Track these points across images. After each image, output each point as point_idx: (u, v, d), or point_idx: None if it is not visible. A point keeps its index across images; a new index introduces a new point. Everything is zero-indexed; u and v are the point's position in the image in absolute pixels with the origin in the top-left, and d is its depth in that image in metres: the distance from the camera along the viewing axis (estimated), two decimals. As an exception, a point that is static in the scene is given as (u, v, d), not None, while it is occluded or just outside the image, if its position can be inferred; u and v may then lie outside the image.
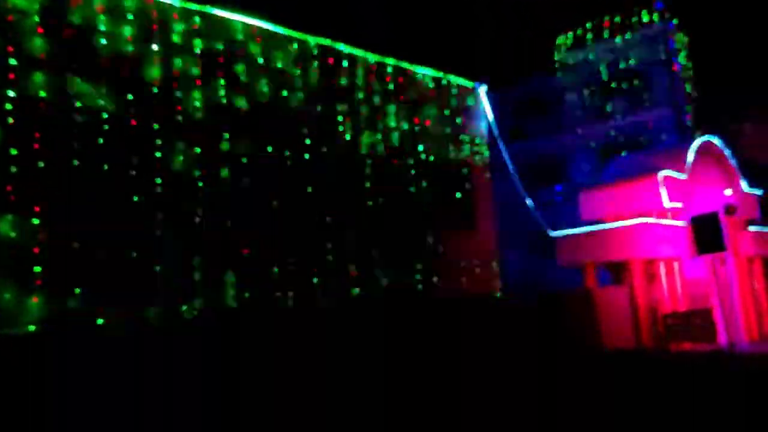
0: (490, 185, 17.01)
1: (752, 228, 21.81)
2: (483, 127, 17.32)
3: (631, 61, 27.96)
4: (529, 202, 17.51)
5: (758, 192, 22.20)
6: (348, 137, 14.19)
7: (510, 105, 31.46)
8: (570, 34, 29.87)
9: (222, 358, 9.43)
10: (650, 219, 16.50)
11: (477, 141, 17.04)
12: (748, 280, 21.82)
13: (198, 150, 11.79)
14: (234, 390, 9.40)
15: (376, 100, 14.96)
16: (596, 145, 28.77)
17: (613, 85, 28.57)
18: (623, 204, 17.93)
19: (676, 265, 18.01)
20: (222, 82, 12.33)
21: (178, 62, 11.78)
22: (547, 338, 15.13)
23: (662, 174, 17.22)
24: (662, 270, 17.45)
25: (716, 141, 20.33)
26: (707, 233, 15.43)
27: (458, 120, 16.63)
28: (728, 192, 20.75)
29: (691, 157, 18.49)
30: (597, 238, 16.84)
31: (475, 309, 13.90)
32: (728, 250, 19.11)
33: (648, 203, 17.48)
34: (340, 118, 14.12)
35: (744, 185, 21.50)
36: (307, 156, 13.49)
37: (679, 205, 17.78)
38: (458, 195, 16.11)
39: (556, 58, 30.19)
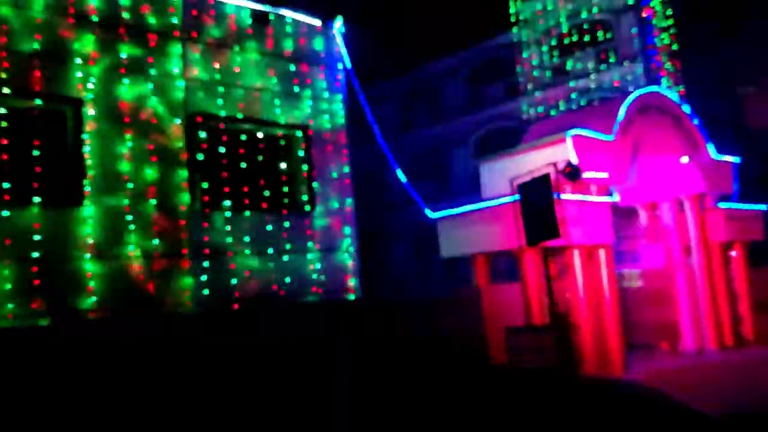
0: (343, 155, 12.95)
1: (724, 205, 17.17)
2: (336, 79, 13.22)
3: (594, 10, 23.30)
4: (401, 177, 13.39)
5: (733, 159, 17.52)
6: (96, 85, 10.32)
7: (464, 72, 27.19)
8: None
9: None
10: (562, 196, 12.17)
11: (325, 96, 12.96)
12: (721, 272, 17.24)
13: None
14: None
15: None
16: (558, 111, 24.25)
17: (574, 38, 23.96)
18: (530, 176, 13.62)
19: (601, 254, 13.64)
20: None
21: None
22: (404, 353, 11.13)
23: (571, 134, 12.87)
24: (577, 261, 13.12)
25: (669, 94, 15.76)
26: (535, 212, 10.87)
27: (292, 67, 12.58)
28: (684, 159, 16.20)
29: (622, 112, 14.03)
30: (485, 221, 12.61)
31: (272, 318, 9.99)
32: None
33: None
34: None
35: (712, 151, 16.87)
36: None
37: (602, 175, 13.41)
38: (282, 167, 12.09)
39: (511, 11, 25.65)
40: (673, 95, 15.80)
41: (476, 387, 10.23)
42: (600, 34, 23.21)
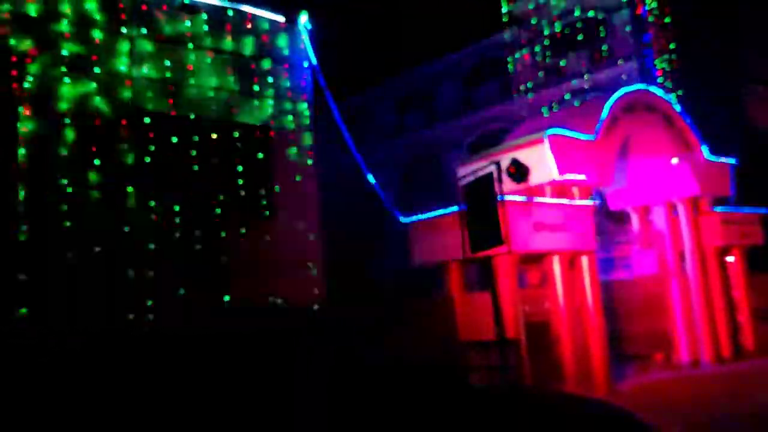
0: (308, 157, 12.25)
1: (720, 209, 16.32)
2: (302, 78, 12.55)
3: (588, 9, 22.52)
4: (371, 179, 12.68)
5: (730, 161, 16.67)
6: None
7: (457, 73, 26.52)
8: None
9: None
10: (512, 197, 11.38)
11: (289, 96, 12.30)
12: (718, 279, 16.38)
13: None
14: None
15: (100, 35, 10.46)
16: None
17: (567, 38, 23.17)
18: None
19: (584, 261, 12.84)
20: None
21: None
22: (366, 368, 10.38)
23: (549, 134, 12.11)
24: (557, 268, 12.32)
25: (659, 92, 14.97)
26: (479, 216, 9.90)
27: (251, 66, 11.93)
28: (675, 161, 15.38)
29: (606, 111, 13.25)
30: (456, 226, 11.83)
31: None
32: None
33: (538, 174, 12.42)
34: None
35: (706, 152, 16.04)
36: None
37: (581, 177, 12.64)
38: (241, 171, 11.40)
39: (504, 10, 24.90)
40: (663, 93, 14.99)
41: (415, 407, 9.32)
42: (593, 32, 22.40)
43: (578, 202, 12.46)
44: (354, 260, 13.29)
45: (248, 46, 12.01)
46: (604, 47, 22.24)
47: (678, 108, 15.37)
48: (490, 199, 9.36)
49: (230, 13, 11.86)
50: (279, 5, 12.69)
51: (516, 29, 24.65)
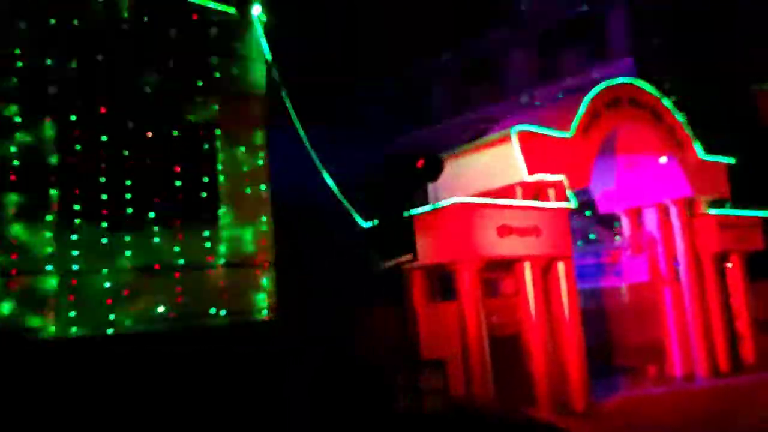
0: (259, 158, 11.41)
1: (714, 211, 15.24)
2: (255, 73, 11.74)
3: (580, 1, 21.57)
4: (330, 183, 11.83)
5: (726, 160, 15.60)
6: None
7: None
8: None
9: None
10: (468, 199, 10.44)
11: (240, 93, 11.50)
12: (714, 286, 15.27)
13: None
14: None
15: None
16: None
17: (560, 35, 22.22)
18: (481, 177, 11.97)
19: (560, 268, 11.86)
20: None
21: None
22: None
23: (517, 131, 11.17)
24: (528, 276, 11.36)
25: (646, 86, 13.96)
26: (390, 223, 8.85)
27: (197, 60, 11.14)
28: (663, 159, 14.35)
29: (583, 107, 12.29)
30: (417, 231, 10.90)
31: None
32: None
33: (506, 175, 11.49)
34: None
35: (699, 150, 14.99)
36: None
37: (557, 177, 11.67)
38: (181, 171, 10.60)
39: (496, 8, 24.00)
40: (651, 87, 13.97)
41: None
42: (587, 29, 21.43)
43: (551, 204, 11.49)
44: (316, 267, 12.42)
45: (194, 38, 11.23)
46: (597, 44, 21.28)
47: (668, 103, 14.35)
48: (401, 203, 8.42)
49: (175, 3, 11.09)
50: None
51: (507, 27, 23.76)
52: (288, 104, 11.84)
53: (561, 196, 11.92)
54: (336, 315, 11.05)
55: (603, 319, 16.14)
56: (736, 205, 16.15)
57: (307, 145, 11.79)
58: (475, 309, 10.44)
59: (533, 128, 11.39)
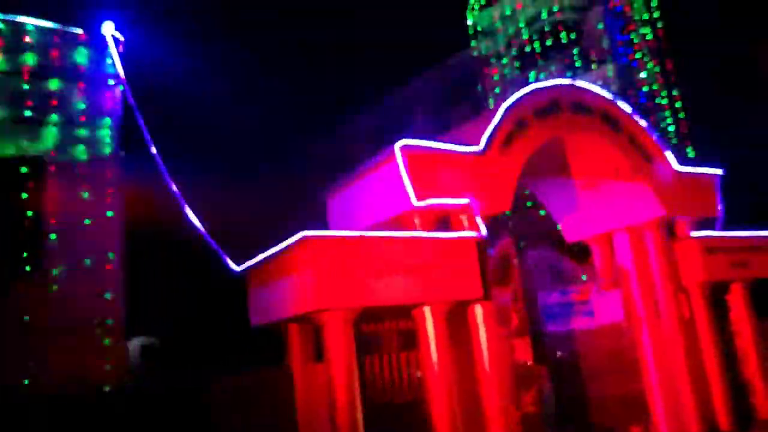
0: (107, 195, 9.67)
1: (697, 234, 12.58)
2: (104, 98, 10.10)
3: (555, 8, 19.40)
4: (195, 222, 9.98)
5: (714, 172, 13.00)
6: None
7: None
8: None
9: None
10: (320, 232, 8.29)
11: (83, 121, 9.87)
12: (707, 324, 12.51)
13: None
14: None
15: None
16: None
17: (536, 45, 20.04)
18: (373, 207, 9.87)
19: (477, 312, 9.53)
20: None
21: None
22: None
23: (400, 146, 9.04)
24: (429, 325, 9.05)
25: (593, 88, 11.65)
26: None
27: (26, 86, 9.58)
28: (617, 173, 11.87)
29: (499, 116, 10.07)
30: (294, 268, 8.80)
31: None
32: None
33: (394, 202, 9.35)
34: None
35: (673, 162, 12.48)
36: None
37: (459, 201, 9.44)
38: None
39: (469, 21, 22.07)
40: (600, 89, 11.65)
41: None
42: (564, 35, 19.19)
43: (450, 234, 9.23)
44: (180, 322, 10.52)
45: (26, 62, 9.70)
46: (576, 51, 19.00)
47: (626, 108, 11.97)
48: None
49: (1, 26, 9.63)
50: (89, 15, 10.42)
51: (483, 42, 21.74)
52: (145, 132, 10.12)
53: (473, 225, 9.66)
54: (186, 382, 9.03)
55: (576, 368, 13.54)
56: (732, 225, 13.43)
57: (169, 181, 10.01)
58: (345, 371, 8.21)
59: (425, 143, 9.26)
